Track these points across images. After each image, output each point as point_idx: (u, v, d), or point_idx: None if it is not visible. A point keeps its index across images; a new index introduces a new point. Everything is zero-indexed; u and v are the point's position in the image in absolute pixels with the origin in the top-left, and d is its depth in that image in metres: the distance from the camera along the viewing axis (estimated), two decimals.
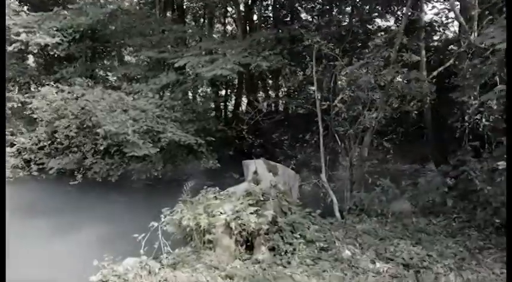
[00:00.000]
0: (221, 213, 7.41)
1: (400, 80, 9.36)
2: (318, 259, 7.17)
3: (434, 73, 10.99)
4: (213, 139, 13.17)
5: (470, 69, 10.77)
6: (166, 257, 6.95)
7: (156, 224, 7.17)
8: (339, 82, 11.68)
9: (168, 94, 13.28)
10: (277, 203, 8.02)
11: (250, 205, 7.45)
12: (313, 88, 15.14)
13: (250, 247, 7.61)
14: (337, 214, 9.80)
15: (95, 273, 6.25)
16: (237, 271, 6.55)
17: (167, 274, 6.40)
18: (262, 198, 7.83)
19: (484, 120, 10.66)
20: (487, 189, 8.56)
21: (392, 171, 11.83)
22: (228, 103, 19.47)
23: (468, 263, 6.99)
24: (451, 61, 11.59)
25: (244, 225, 7.27)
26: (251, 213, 7.31)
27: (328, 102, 9.50)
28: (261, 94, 17.98)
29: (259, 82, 18.20)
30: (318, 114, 10.66)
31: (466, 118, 11.14)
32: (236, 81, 18.62)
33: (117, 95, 12.19)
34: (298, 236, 7.46)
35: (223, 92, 18.90)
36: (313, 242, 7.55)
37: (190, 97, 14.59)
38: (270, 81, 19.38)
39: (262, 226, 7.30)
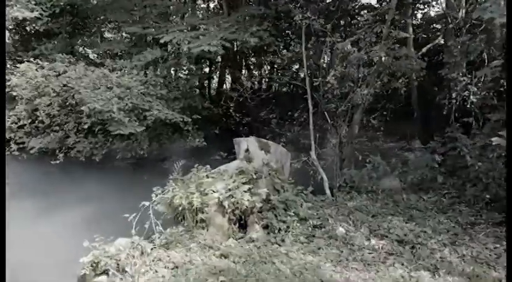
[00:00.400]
0: (213, 191, 7.30)
1: (390, 56, 9.21)
2: (311, 237, 7.16)
3: (424, 50, 10.90)
4: (199, 117, 12.92)
5: (459, 46, 10.74)
6: (159, 237, 6.81)
7: (147, 203, 7.00)
8: (328, 59, 11.47)
9: (153, 71, 12.89)
10: (270, 181, 7.94)
11: (243, 183, 7.35)
12: (299, 66, 15.03)
13: (243, 225, 7.54)
14: (328, 192, 9.79)
15: (86, 254, 6.07)
16: (231, 250, 6.46)
17: (160, 254, 6.27)
18: (255, 176, 7.73)
19: (472, 97, 10.69)
20: (478, 165, 8.62)
21: (380, 148, 11.84)
22: (211, 81, 19.08)
23: (461, 238, 7.05)
24: (440, 38, 11.51)
25: (238, 203, 7.18)
26: (244, 191, 7.21)
27: (320, 79, 9.35)
28: (243, 72, 17.58)
29: (243, 60, 17.86)
30: (307, 92, 10.54)
31: (454, 95, 11.15)
32: (219, 59, 18.22)
33: (101, 72, 11.76)
34: (292, 214, 7.42)
35: (206, 70, 18.50)
36: (306, 219, 7.53)
37: (175, 75, 14.23)
38: (253, 59, 19.01)
39: (255, 204, 7.23)
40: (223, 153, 10.98)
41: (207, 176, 7.75)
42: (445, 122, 11.91)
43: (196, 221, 7.13)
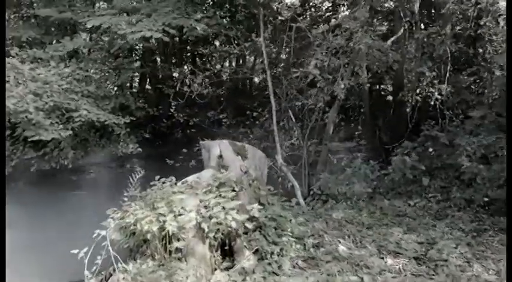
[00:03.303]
0: (187, 211, 5.62)
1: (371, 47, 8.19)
2: (311, 259, 5.81)
3: (389, 42, 10.03)
4: (134, 119, 10.94)
5: (425, 39, 10.15)
6: (124, 278, 5.01)
7: (102, 233, 5.17)
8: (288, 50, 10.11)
9: (76, 64, 10.60)
10: (252, 193, 6.43)
11: (230, 199, 5.75)
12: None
13: (226, 252, 5.94)
14: (301, 200, 8.52)
15: None
16: None
17: None
18: (237, 189, 6.16)
19: (436, 93, 10.12)
20: (467, 165, 7.89)
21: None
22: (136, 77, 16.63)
23: (479, 250, 6.14)
24: (401, 31, 10.82)
25: (221, 224, 5.58)
26: (231, 209, 5.63)
27: (300, 69, 8.00)
28: (181, 68, 15.43)
29: (183, 52, 15.81)
30: (269, 87, 9.23)
31: (418, 91, 10.58)
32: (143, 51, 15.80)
33: (8, 62, 9.32)
34: (286, 233, 5.99)
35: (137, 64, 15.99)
36: (300, 238, 6.15)
37: (105, 68, 11.91)
38: (199, 51, 16.65)
39: (246, 225, 5.67)
40: (170, 161, 9.21)
41: (174, 192, 6.02)
42: (400, 123, 11.35)
43: (170, 252, 5.41)
